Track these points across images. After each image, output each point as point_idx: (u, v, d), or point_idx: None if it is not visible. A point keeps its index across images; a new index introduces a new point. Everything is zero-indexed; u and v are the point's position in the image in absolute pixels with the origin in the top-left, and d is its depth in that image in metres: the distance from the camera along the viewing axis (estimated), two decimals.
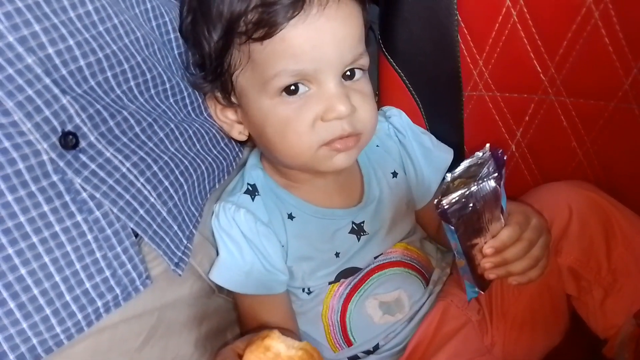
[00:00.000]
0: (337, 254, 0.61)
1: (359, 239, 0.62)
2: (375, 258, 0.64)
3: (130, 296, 0.49)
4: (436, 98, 0.68)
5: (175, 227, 0.52)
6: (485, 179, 0.47)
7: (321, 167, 0.55)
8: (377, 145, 0.66)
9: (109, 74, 0.48)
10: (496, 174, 0.47)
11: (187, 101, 0.57)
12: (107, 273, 0.47)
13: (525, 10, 0.58)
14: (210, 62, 0.55)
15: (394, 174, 0.66)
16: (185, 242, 0.54)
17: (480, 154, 0.49)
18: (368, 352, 0.63)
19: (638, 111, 0.57)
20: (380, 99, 0.71)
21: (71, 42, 0.44)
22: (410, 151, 0.67)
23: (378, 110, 0.67)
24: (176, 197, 0.53)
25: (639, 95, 0.57)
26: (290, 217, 0.60)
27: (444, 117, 0.69)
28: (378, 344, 0.63)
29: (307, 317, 0.64)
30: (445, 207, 0.46)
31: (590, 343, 0.64)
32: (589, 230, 0.58)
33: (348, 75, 0.54)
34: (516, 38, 0.60)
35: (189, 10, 0.56)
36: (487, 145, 0.49)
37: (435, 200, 0.47)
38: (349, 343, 0.63)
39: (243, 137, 0.60)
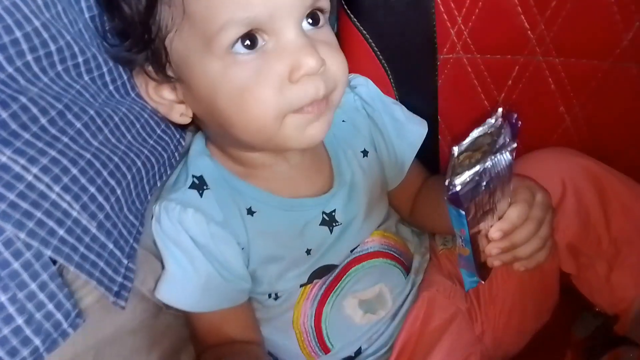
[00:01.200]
0: (308, 251, 0.54)
1: (331, 231, 0.54)
2: (351, 251, 0.57)
3: (55, 345, 0.38)
4: (407, 64, 0.61)
5: (111, 245, 0.42)
6: (502, 151, 0.40)
7: (291, 143, 0.46)
8: (343, 121, 0.59)
9: None
10: (514, 145, 0.40)
11: (108, 78, 0.45)
12: (19, 321, 0.36)
13: None
14: (134, 26, 0.44)
15: (365, 153, 0.58)
16: (125, 262, 0.43)
17: (492, 120, 0.42)
18: (349, 359, 0.57)
19: (636, 71, 0.53)
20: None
21: None
22: (381, 126, 0.60)
23: None
24: (107, 205, 0.41)
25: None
26: (250, 212, 0.51)
27: (415, 85, 0.62)
28: (360, 347, 0.57)
29: (274, 325, 0.56)
30: (458, 189, 0.39)
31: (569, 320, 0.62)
32: (585, 201, 0.54)
33: (310, 23, 0.45)
34: None
35: None
36: (499, 109, 0.42)
37: (446, 182, 0.39)
38: (326, 350, 0.56)
39: (186, 120, 0.50)
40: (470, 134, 0.42)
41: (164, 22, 0.43)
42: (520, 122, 0.41)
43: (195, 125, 0.53)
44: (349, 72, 0.60)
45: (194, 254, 0.49)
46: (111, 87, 0.46)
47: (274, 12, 0.42)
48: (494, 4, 0.54)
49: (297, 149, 0.49)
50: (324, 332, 0.56)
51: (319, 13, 0.46)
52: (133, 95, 0.48)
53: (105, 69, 0.45)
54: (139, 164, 0.46)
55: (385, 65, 0.61)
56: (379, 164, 0.60)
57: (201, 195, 0.50)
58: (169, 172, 0.52)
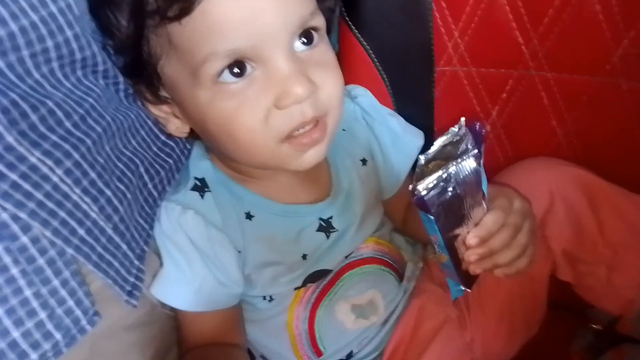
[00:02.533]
0: (304, 256, 0.54)
1: (328, 237, 0.55)
2: (345, 257, 0.57)
3: (74, 341, 0.39)
4: (405, 75, 0.62)
5: (124, 247, 0.43)
6: (464, 158, 0.41)
7: (289, 167, 0.47)
8: (344, 129, 0.59)
9: (24, 52, 0.36)
10: (476, 151, 0.41)
11: (122, 86, 0.47)
12: (42, 315, 0.37)
13: None
14: (126, 52, 0.45)
15: (363, 162, 0.59)
16: (136, 263, 0.44)
17: (455, 129, 0.43)
18: None
19: (626, 86, 0.54)
20: (343, 77, 0.62)
21: None
22: (379, 135, 0.60)
23: None
24: (121, 208, 0.43)
25: (629, 70, 0.53)
26: (249, 216, 0.52)
27: (413, 96, 0.63)
28: (351, 351, 0.57)
29: (267, 327, 0.56)
30: (422, 193, 0.40)
31: (568, 333, 0.63)
32: (575, 208, 0.55)
33: (304, 42, 0.44)
34: (496, 5, 0.55)
35: None
36: (462, 119, 0.43)
37: (410, 187, 0.40)
38: (318, 353, 0.57)
39: (182, 134, 0.50)
40: (435, 142, 0.43)
41: (152, 50, 0.43)
42: (484, 130, 0.42)
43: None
44: (349, 82, 0.63)
45: (191, 255, 0.49)
46: (122, 94, 0.48)
47: (257, 42, 0.41)
48: (489, 19, 0.55)
49: (295, 170, 0.48)
50: (317, 335, 0.56)
51: (313, 32, 0.44)
52: (139, 102, 0.50)
53: (121, 78, 0.47)
54: (142, 169, 0.47)
55: (384, 76, 0.61)
56: (375, 173, 0.60)
57: (202, 197, 0.51)
58: (176, 177, 0.53)
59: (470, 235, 0.44)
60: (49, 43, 0.38)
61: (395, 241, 0.63)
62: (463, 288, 0.48)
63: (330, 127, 0.47)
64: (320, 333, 0.56)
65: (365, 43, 0.60)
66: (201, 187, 0.51)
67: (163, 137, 0.51)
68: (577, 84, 0.56)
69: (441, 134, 0.65)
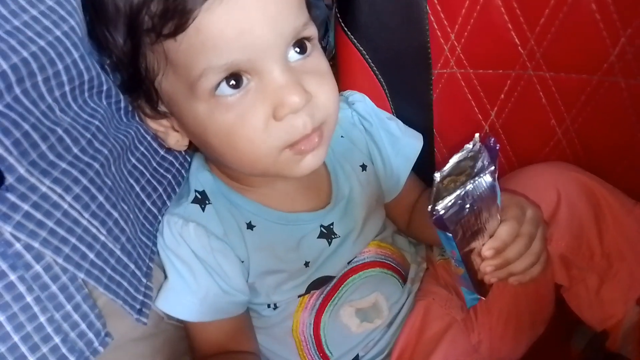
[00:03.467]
0: (306, 264, 0.54)
1: (329, 243, 0.55)
2: (348, 263, 0.57)
3: None
4: (403, 78, 0.62)
5: (132, 266, 0.43)
6: (481, 175, 0.41)
7: (287, 174, 0.47)
8: (342, 136, 0.59)
9: (39, 78, 0.36)
10: (492, 168, 0.41)
11: (123, 104, 0.47)
12: (57, 340, 0.37)
13: None
14: (124, 68, 0.45)
15: (363, 167, 0.59)
16: (144, 280, 0.45)
17: (470, 145, 0.44)
18: None
19: (624, 84, 0.54)
20: (340, 82, 0.63)
21: None
22: (378, 140, 0.60)
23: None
24: (127, 228, 0.43)
25: (627, 68, 0.53)
26: (250, 226, 0.52)
27: (411, 99, 0.63)
28: (358, 355, 0.57)
29: (273, 333, 0.57)
30: (441, 213, 0.40)
31: (567, 333, 0.63)
32: (579, 214, 0.55)
33: (298, 52, 0.44)
34: (492, 7, 0.54)
35: (85, 9, 0.44)
36: (477, 135, 0.44)
37: (429, 207, 0.41)
38: (325, 358, 0.57)
39: (182, 147, 0.50)
40: (451, 160, 0.44)
41: (149, 66, 0.44)
42: (498, 145, 0.42)
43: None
44: (347, 87, 0.63)
45: (194, 267, 0.50)
46: (122, 112, 0.48)
47: (251, 55, 0.41)
48: (485, 20, 0.55)
49: (294, 177, 0.49)
50: (323, 340, 0.56)
51: (306, 42, 0.45)
52: (138, 118, 0.50)
53: (121, 96, 0.47)
54: (138, 188, 0.47)
55: (381, 79, 0.62)
56: (376, 177, 0.60)
57: (203, 209, 0.51)
58: (176, 192, 0.53)
59: (485, 247, 0.44)
60: (59, 66, 0.38)
61: (397, 243, 0.63)
62: (478, 296, 0.49)
63: (327, 133, 0.47)
64: (326, 338, 0.56)
65: (360, 47, 0.60)
66: (202, 199, 0.51)
67: (162, 152, 0.51)
68: (575, 83, 0.56)
69: (441, 136, 0.66)
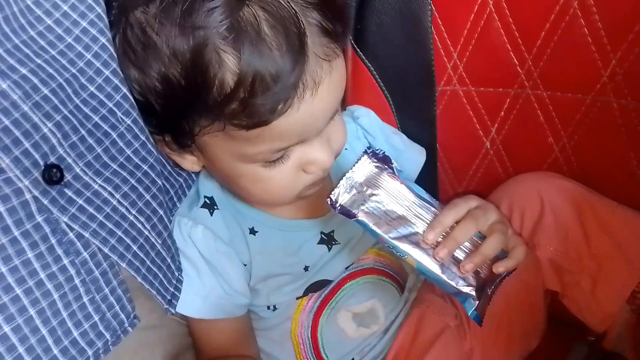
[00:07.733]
0: (305, 268, 0.56)
1: (329, 249, 0.57)
2: (346, 268, 0.59)
3: (119, 340, 0.44)
4: (408, 94, 0.65)
5: (169, 260, 0.48)
6: (356, 161, 0.46)
7: (298, 199, 0.53)
8: (346, 149, 0.61)
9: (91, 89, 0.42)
10: (366, 157, 0.46)
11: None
12: (96, 318, 0.42)
13: None
14: (167, 120, 0.46)
15: None
16: (177, 274, 0.49)
17: (355, 161, 0.48)
18: None
19: (616, 104, 0.56)
20: (349, 96, 0.66)
21: (39, 60, 0.39)
22: None
23: (345, 109, 0.64)
24: (170, 225, 0.48)
25: (618, 88, 0.55)
26: (253, 231, 0.55)
27: (415, 115, 0.66)
28: (353, 359, 0.58)
29: (272, 336, 0.58)
30: (339, 201, 0.45)
31: (566, 345, 0.63)
32: (563, 218, 0.57)
33: None
34: (492, 29, 0.58)
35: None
36: (364, 151, 0.48)
37: (328, 200, 0.45)
38: None
39: (197, 169, 0.53)
40: (340, 181, 0.46)
41: (200, 125, 0.44)
42: (384, 151, 0.47)
43: None
44: (356, 101, 0.66)
45: (200, 266, 0.52)
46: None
47: (305, 137, 0.46)
48: (486, 41, 0.59)
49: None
50: (320, 343, 0.58)
51: None
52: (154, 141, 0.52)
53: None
54: (154, 190, 0.50)
55: (388, 95, 0.65)
56: None
57: (211, 214, 0.54)
58: (186, 194, 0.56)
59: (426, 231, 0.45)
60: (124, 89, 0.44)
61: None
62: (467, 296, 0.46)
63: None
64: (322, 341, 0.57)
65: (369, 64, 0.63)
66: (210, 204, 0.54)
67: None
68: (570, 102, 0.59)
69: (443, 150, 0.68)
